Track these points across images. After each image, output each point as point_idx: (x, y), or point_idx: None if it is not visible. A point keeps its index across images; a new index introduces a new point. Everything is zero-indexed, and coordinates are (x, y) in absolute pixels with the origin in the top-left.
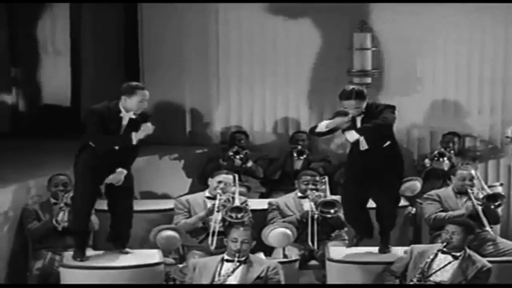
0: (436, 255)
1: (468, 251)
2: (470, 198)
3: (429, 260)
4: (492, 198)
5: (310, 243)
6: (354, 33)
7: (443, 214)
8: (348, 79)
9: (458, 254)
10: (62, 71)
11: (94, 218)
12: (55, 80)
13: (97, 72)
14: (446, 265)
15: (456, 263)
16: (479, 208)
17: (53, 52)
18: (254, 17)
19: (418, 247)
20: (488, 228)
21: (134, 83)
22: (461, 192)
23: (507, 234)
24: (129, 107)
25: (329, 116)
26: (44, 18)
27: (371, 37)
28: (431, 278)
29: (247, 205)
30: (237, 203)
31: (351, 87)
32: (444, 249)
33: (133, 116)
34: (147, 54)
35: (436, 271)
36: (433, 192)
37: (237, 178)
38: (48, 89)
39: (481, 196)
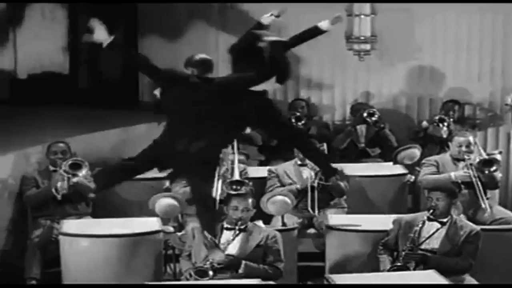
0: (423, 223)
1: (455, 216)
2: (467, 166)
3: (418, 228)
4: (488, 163)
5: (310, 209)
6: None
7: (432, 176)
8: (347, 45)
9: (444, 220)
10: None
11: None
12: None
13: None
14: (434, 232)
15: (443, 230)
16: (475, 176)
17: (51, 18)
18: None
19: (405, 217)
20: (480, 200)
21: None
22: (458, 159)
23: (505, 203)
24: None
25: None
26: None
27: (370, 4)
28: (421, 246)
29: (246, 173)
30: (236, 174)
31: None
32: (431, 216)
33: None
34: (144, 21)
35: (426, 239)
36: (431, 157)
37: (235, 146)
38: (46, 56)
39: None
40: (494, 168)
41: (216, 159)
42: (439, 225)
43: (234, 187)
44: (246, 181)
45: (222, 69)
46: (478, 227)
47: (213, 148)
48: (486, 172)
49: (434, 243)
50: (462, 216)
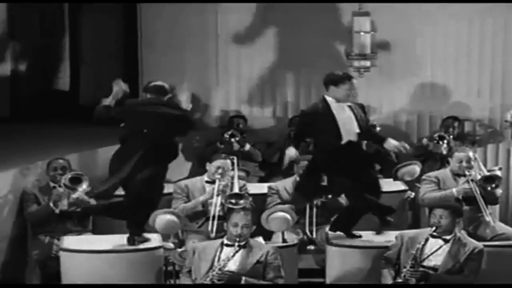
0: (427, 240)
1: (458, 234)
2: (468, 181)
3: (420, 245)
4: (489, 179)
5: (307, 231)
6: (354, 17)
7: (434, 194)
8: (347, 62)
9: (448, 237)
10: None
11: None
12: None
13: (96, 55)
14: (437, 249)
15: (447, 247)
16: (476, 191)
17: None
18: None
19: (408, 233)
20: (484, 214)
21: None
22: (459, 174)
23: (505, 219)
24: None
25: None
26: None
27: (370, 21)
28: (424, 263)
29: (246, 189)
30: (236, 188)
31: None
32: (434, 233)
33: None
34: (145, 37)
35: (428, 256)
36: (431, 173)
37: (235, 161)
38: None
39: (478, 178)
40: (496, 184)
41: (148, 192)
42: (442, 242)
43: (233, 200)
44: (246, 194)
45: (222, 81)
46: (481, 245)
47: (150, 181)
48: (489, 188)
49: (437, 260)
50: (463, 232)
